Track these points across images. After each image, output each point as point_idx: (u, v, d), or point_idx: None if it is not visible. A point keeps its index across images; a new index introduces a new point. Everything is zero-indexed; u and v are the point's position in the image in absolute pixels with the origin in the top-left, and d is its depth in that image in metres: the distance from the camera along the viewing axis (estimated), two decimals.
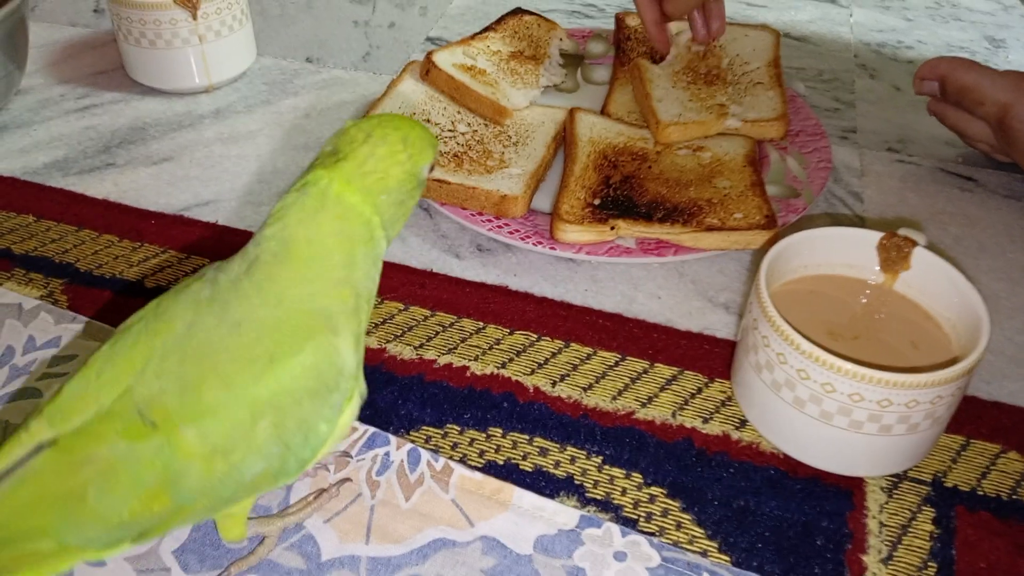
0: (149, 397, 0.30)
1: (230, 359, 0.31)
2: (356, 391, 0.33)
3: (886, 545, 0.39)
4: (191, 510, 0.31)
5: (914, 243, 0.43)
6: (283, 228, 0.32)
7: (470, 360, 0.47)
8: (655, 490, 0.41)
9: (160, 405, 0.30)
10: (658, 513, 0.40)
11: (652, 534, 0.39)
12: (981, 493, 0.41)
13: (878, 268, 0.44)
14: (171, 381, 0.30)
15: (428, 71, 0.65)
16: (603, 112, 0.65)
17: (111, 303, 0.51)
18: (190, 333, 0.31)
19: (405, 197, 0.34)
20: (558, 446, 0.43)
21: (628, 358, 0.48)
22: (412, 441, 0.43)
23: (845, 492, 0.41)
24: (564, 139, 0.62)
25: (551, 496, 0.40)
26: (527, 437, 0.43)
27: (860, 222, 0.58)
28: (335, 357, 0.32)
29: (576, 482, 0.41)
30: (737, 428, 0.44)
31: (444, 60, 0.65)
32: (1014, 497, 0.41)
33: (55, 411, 0.31)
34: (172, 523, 0.32)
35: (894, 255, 0.43)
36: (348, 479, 0.41)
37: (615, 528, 0.39)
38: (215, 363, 0.30)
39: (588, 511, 0.40)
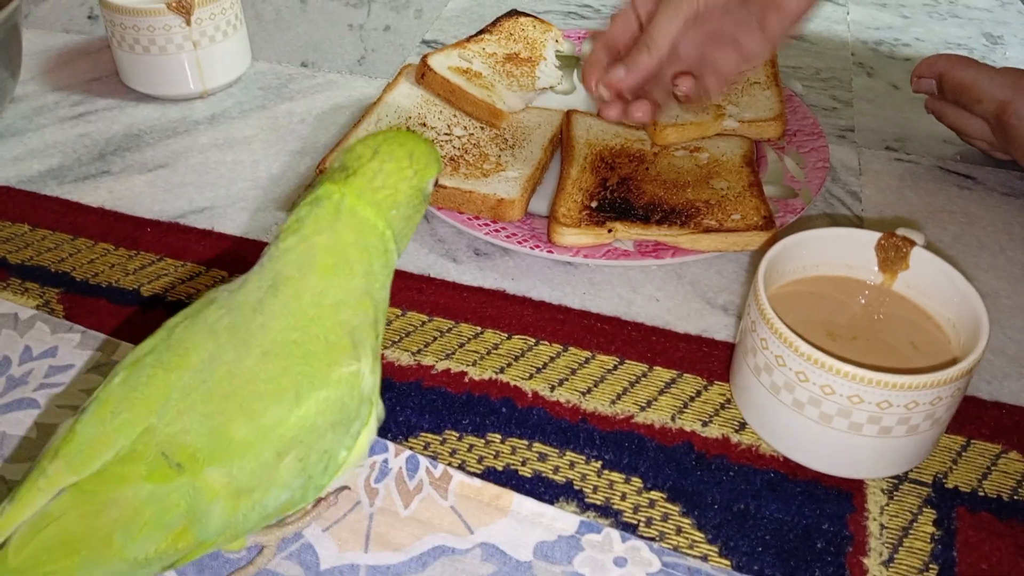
0: (172, 437, 0.30)
1: (257, 394, 0.30)
2: (373, 414, 0.34)
3: (887, 547, 0.39)
4: (213, 544, 0.32)
5: (912, 243, 0.43)
6: (303, 239, 0.32)
7: (468, 365, 0.47)
8: (655, 494, 0.41)
9: (185, 446, 0.30)
10: (658, 518, 0.40)
11: (652, 539, 0.39)
12: (982, 494, 0.41)
13: (877, 268, 0.44)
14: (196, 420, 0.30)
15: (424, 74, 0.65)
16: (599, 114, 0.64)
17: (108, 312, 0.51)
18: (212, 366, 0.31)
19: (412, 212, 0.35)
20: (557, 451, 0.43)
21: (627, 361, 0.47)
22: (410, 448, 0.43)
23: (845, 494, 0.41)
24: (561, 141, 0.62)
25: (550, 502, 0.40)
26: (526, 442, 0.43)
27: (859, 222, 0.57)
28: (358, 385, 0.32)
29: (575, 487, 0.41)
30: (737, 431, 0.44)
31: (439, 63, 0.65)
32: (1015, 498, 0.41)
33: (73, 453, 0.30)
34: (193, 556, 0.32)
35: (893, 255, 0.43)
36: (346, 487, 0.41)
37: (615, 533, 0.39)
38: (242, 399, 0.30)
39: (588, 516, 0.40)
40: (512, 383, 0.46)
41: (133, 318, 0.50)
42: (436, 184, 0.37)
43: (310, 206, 0.33)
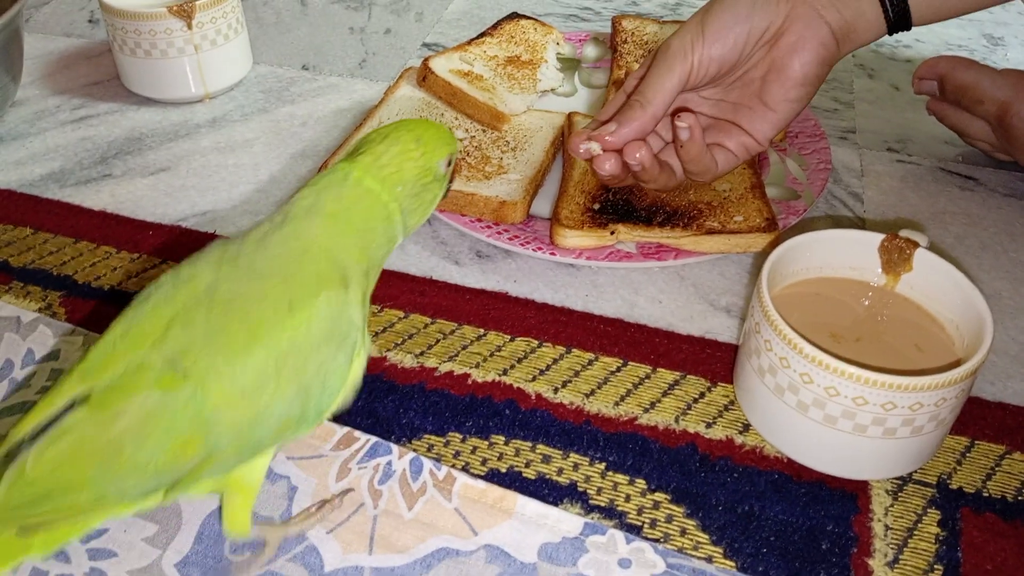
0: (179, 348, 0.32)
1: (255, 306, 0.33)
2: (363, 345, 0.36)
3: (892, 548, 0.39)
4: (220, 457, 0.33)
5: (916, 245, 0.43)
6: (313, 193, 0.36)
7: (471, 367, 0.47)
8: (659, 496, 0.41)
9: (190, 355, 0.32)
10: (662, 519, 0.40)
11: (657, 540, 0.39)
12: (986, 494, 0.41)
13: (880, 270, 0.44)
14: (199, 331, 0.32)
15: (425, 77, 0.65)
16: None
17: (110, 315, 0.50)
18: (215, 287, 0.33)
19: (421, 190, 0.38)
20: (561, 453, 0.43)
21: (630, 363, 0.47)
22: (414, 450, 0.43)
23: (850, 496, 0.40)
24: (562, 144, 0.62)
25: (554, 503, 0.40)
26: (530, 444, 0.43)
27: (861, 223, 0.57)
28: (346, 308, 0.34)
29: (579, 489, 0.41)
30: (740, 433, 0.43)
31: (441, 66, 0.65)
32: (1020, 498, 0.41)
33: (86, 369, 0.32)
34: (201, 472, 0.33)
35: (896, 257, 0.43)
36: (351, 489, 0.41)
37: (619, 535, 0.39)
38: (241, 311, 0.32)
39: (592, 518, 0.40)
40: (515, 385, 0.46)
41: None
42: (453, 165, 0.40)
43: (321, 176, 0.37)
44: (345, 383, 0.35)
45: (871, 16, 0.48)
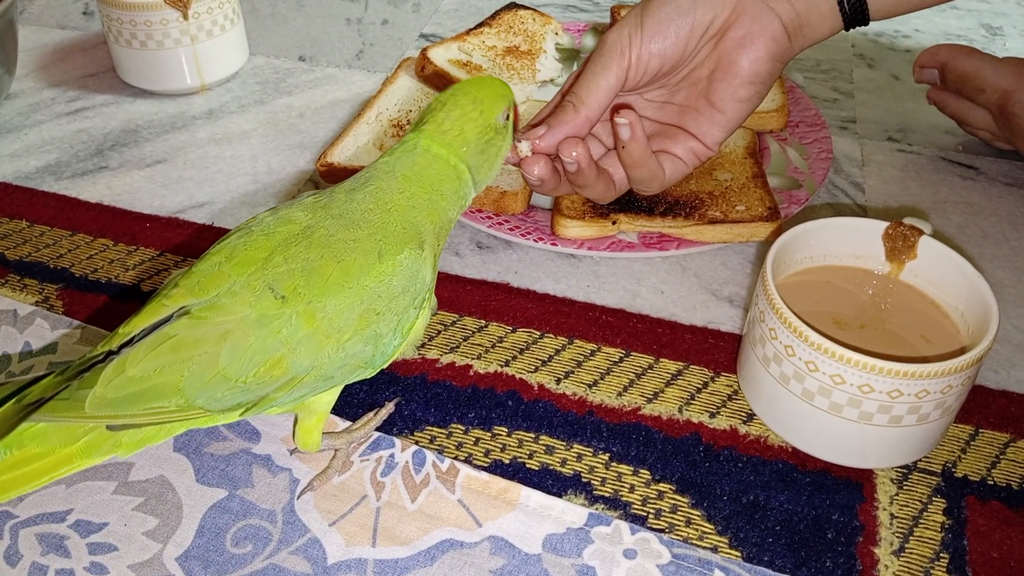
0: (279, 276, 0.34)
1: (348, 250, 0.35)
2: (428, 305, 0.38)
3: (898, 537, 0.38)
4: (299, 382, 0.35)
5: (920, 232, 0.43)
6: (391, 160, 0.39)
7: (473, 359, 0.47)
8: (663, 486, 0.40)
9: (289, 283, 0.34)
10: (667, 509, 0.39)
11: (662, 531, 0.39)
12: (991, 482, 0.41)
13: (884, 258, 0.44)
14: (299, 264, 0.35)
15: (424, 67, 0.64)
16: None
17: (107, 307, 0.50)
18: (312, 228, 0.36)
19: (486, 146, 0.40)
20: (564, 444, 0.42)
21: (633, 354, 0.47)
22: (416, 442, 0.42)
23: (855, 484, 0.40)
24: None
25: (558, 494, 0.40)
26: (533, 435, 0.43)
27: (862, 212, 0.57)
28: (422, 266, 0.37)
29: (583, 480, 0.41)
30: (744, 422, 0.43)
31: (439, 56, 0.65)
32: None
33: (192, 283, 0.35)
34: (279, 395, 0.35)
35: (900, 244, 0.43)
36: (399, 399, 0.44)
37: (624, 526, 0.38)
38: (336, 252, 0.35)
39: (596, 509, 0.39)
40: (518, 376, 0.46)
41: (133, 312, 0.49)
42: (512, 115, 0.42)
43: (397, 146, 0.40)
44: (409, 335, 0.38)
45: (825, 8, 0.44)
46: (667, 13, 0.44)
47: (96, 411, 0.33)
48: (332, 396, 0.39)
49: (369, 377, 0.39)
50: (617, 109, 0.45)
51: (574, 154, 0.44)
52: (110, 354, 0.34)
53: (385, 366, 0.38)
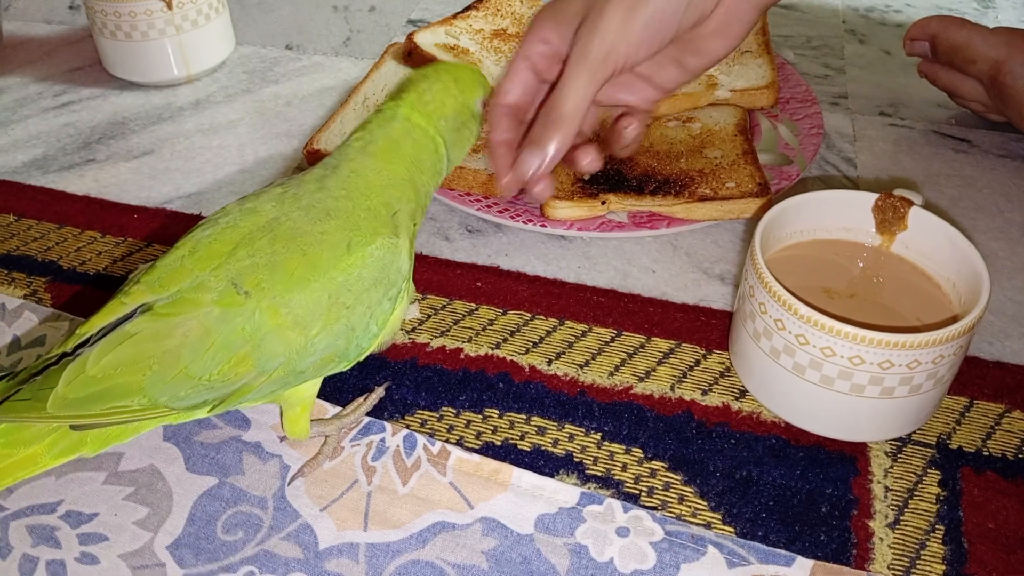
0: (242, 271, 0.34)
1: (316, 243, 0.34)
2: (406, 293, 0.38)
3: (892, 510, 0.38)
4: (268, 378, 0.34)
5: (910, 203, 0.42)
6: (366, 132, 0.38)
7: (463, 342, 0.46)
8: (656, 464, 0.40)
9: (253, 278, 0.33)
10: (660, 487, 0.39)
11: (654, 508, 0.38)
12: (986, 453, 0.40)
13: (874, 230, 0.44)
14: (263, 259, 0.34)
15: (410, 52, 0.64)
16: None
17: (96, 300, 0.50)
18: (278, 221, 0.35)
19: (460, 126, 0.40)
20: (556, 424, 0.42)
21: (624, 333, 0.47)
22: (407, 426, 0.42)
23: (849, 458, 0.40)
24: None
25: (551, 475, 0.40)
26: (524, 416, 0.42)
27: (854, 186, 0.57)
28: (397, 256, 0.36)
29: (576, 459, 0.40)
30: (737, 399, 0.43)
31: (426, 40, 0.64)
32: (1020, 456, 0.40)
33: (153, 280, 0.34)
34: (249, 390, 0.35)
35: (890, 216, 0.43)
36: (389, 383, 0.44)
37: (617, 504, 0.38)
38: (302, 245, 0.34)
39: (589, 488, 0.39)
40: (509, 358, 0.45)
41: None
42: (485, 106, 0.42)
43: (373, 116, 0.39)
44: (385, 327, 0.37)
45: None
46: (657, 20, 0.39)
47: (58, 411, 0.33)
48: (313, 387, 0.38)
49: (345, 370, 0.38)
50: (622, 117, 0.43)
51: (586, 163, 0.43)
52: (64, 356, 0.34)
53: (362, 359, 0.38)
